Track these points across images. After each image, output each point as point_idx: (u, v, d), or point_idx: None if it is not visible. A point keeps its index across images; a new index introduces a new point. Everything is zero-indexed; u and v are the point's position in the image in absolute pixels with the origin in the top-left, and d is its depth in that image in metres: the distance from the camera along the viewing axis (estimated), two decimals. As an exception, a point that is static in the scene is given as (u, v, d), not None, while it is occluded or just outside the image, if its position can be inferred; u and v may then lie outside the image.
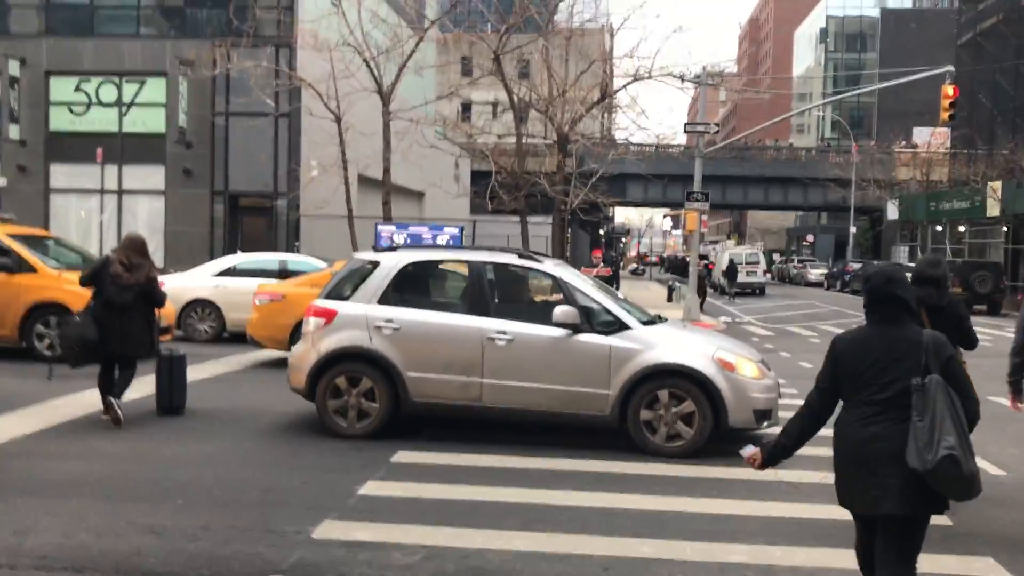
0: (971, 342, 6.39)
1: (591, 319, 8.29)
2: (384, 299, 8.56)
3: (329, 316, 8.60)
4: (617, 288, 16.89)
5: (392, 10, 28.76)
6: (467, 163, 38.64)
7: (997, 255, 38.23)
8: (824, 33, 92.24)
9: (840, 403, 4.10)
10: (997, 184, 35.22)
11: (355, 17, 22.15)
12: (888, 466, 3.77)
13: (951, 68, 22.68)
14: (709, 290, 41.08)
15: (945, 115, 21.30)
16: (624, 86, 26.00)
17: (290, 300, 12.89)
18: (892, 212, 48.95)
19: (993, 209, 35.24)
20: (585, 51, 27.44)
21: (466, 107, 47.19)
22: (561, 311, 8.15)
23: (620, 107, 27.47)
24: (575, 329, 8.16)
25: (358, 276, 8.90)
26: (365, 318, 8.45)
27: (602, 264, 22.45)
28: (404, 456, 7.82)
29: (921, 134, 62.09)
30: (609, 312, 8.36)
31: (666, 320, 9.10)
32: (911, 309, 4.00)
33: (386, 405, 8.36)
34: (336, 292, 8.91)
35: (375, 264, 8.80)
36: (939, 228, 43.31)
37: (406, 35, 24.08)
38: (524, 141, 25.98)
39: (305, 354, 8.63)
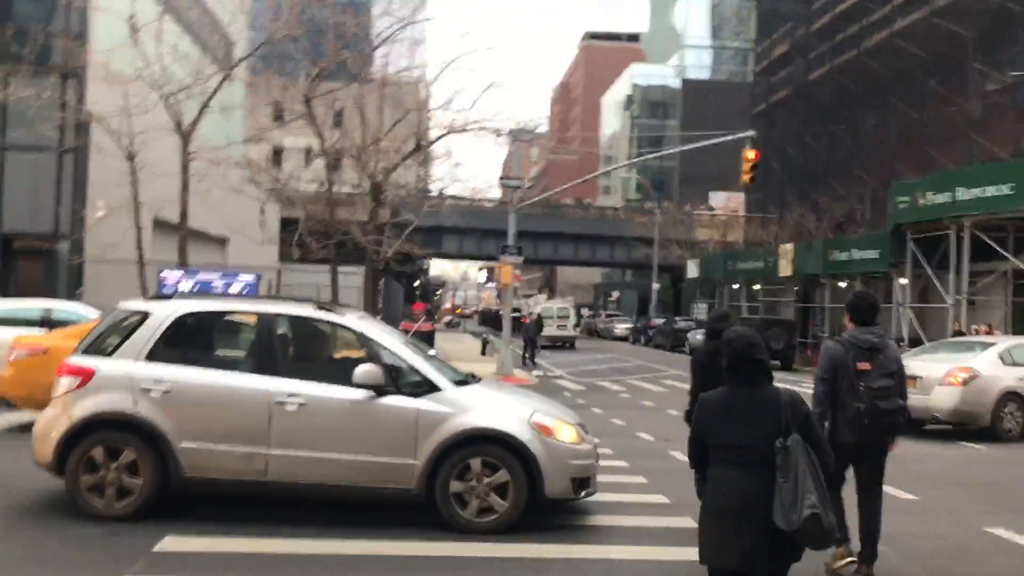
0: None
1: (397, 379, 7.42)
2: (154, 355, 7.34)
3: (85, 375, 7.29)
4: (432, 342, 16.20)
5: (196, 46, 27.17)
6: (275, 209, 37.02)
7: (789, 313, 40.38)
8: (630, 100, 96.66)
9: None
10: (788, 246, 37.25)
11: (153, 50, 20.61)
12: (759, 523, 3.96)
13: (752, 133, 23.72)
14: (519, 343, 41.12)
15: (747, 177, 22.13)
16: (439, 137, 25.62)
17: (53, 354, 11.20)
18: (692, 270, 51.06)
19: (785, 269, 37.20)
20: (400, 101, 26.89)
21: (278, 152, 45.53)
22: (363, 371, 7.25)
23: (436, 158, 27.09)
24: (379, 391, 7.26)
25: (124, 328, 7.63)
26: (129, 378, 7.21)
27: (424, 318, 21.35)
28: (172, 543, 6.60)
29: (717, 198, 65.71)
30: (418, 371, 7.52)
31: (480, 379, 8.36)
32: (769, 371, 4.21)
33: (152, 481, 7.11)
34: (96, 347, 7.59)
35: (145, 315, 7.56)
36: (736, 286, 45.44)
37: (210, 73, 22.69)
38: (337, 189, 24.99)
39: (54, 421, 7.27)
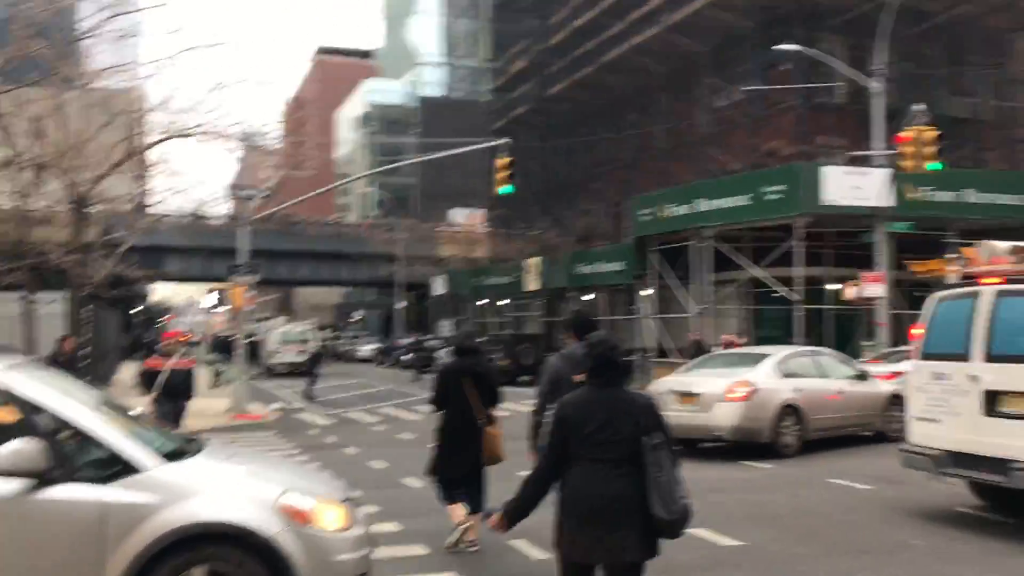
0: (497, 400, 8.13)
1: (72, 459, 4.97)
2: None
3: None
4: (189, 384, 12.87)
5: None
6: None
7: (536, 327, 40.11)
8: (367, 117, 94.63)
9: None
10: (534, 260, 36.92)
11: None
12: (627, 518, 4.17)
13: (507, 140, 22.61)
14: (255, 369, 37.78)
15: (503, 184, 20.90)
16: (157, 142, 22.34)
17: None
18: (438, 287, 49.88)
19: (532, 284, 36.85)
20: (111, 104, 23.26)
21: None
22: (10, 450, 4.74)
23: (151, 165, 23.67)
24: (40, 479, 4.79)
25: None
26: None
27: (181, 352, 15.86)
28: None
29: (458, 214, 65.18)
30: (104, 444, 5.10)
31: (206, 445, 6.00)
32: (627, 374, 4.55)
33: None
34: None
35: None
36: (484, 302, 44.73)
37: None
38: (35, 204, 21.10)
39: None
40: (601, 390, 4.36)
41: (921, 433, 9.03)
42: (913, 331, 9.37)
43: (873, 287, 22.69)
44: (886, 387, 15.52)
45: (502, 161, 20.84)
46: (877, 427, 15.06)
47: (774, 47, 25.45)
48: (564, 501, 4.32)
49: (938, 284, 24.70)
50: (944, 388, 8.65)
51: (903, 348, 21.16)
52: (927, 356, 8.99)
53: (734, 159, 28.97)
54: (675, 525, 4.22)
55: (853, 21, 27.38)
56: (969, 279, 8.78)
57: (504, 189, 21.31)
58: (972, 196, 24.35)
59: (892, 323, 23.87)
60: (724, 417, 13.24)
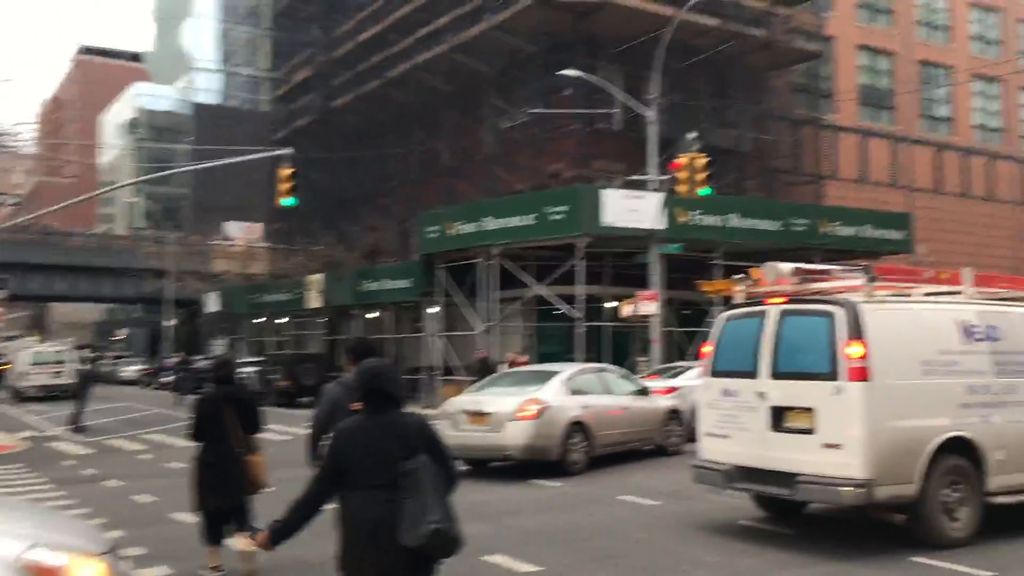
0: (258, 428, 8.00)
1: None
2: None
3: None
4: None
5: None
6: None
7: (319, 346, 38.87)
8: (135, 123, 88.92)
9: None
10: (317, 277, 35.77)
11: None
12: (391, 543, 4.18)
13: (290, 151, 21.63)
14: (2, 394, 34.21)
15: (285, 196, 19.94)
16: None
17: None
18: (212, 304, 47.34)
19: (314, 301, 35.65)
20: None
21: None
22: None
23: None
24: None
25: None
26: None
27: None
28: None
29: (234, 228, 62.36)
30: None
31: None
32: (397, 398, 4.51)
33: None
34: None
35: None
36: (261, 320, 42.85)
37: None
38: None
39: None
40: (374, 416, 4.41)
41: (712, 449, 9.23)
42: (703, 349, 9.59)
43: (648, 305, 23.62)
44: (665, 402, 16.04)
45: (285, 172, 19.90)
46: (657, 441, 15.50)
47: (557, 72, 26.10)
48: (341, 527, 4.37)
49: (706, 304, 26.48)
50: (734, 404, 8.88)
51: (678, 364, 22.21)
52: (717, 373, 9.21)
53: (519, 179, 29.40)
54: (427, 550, 4.20)
55: (629, 52, 28.59)
56: (755, 299, 9.09)
57: (287, 201, 20.37)
58: (735, 221, 25.98)
59: (664, 340, 25.00)
60: (515, 436, 13.11)
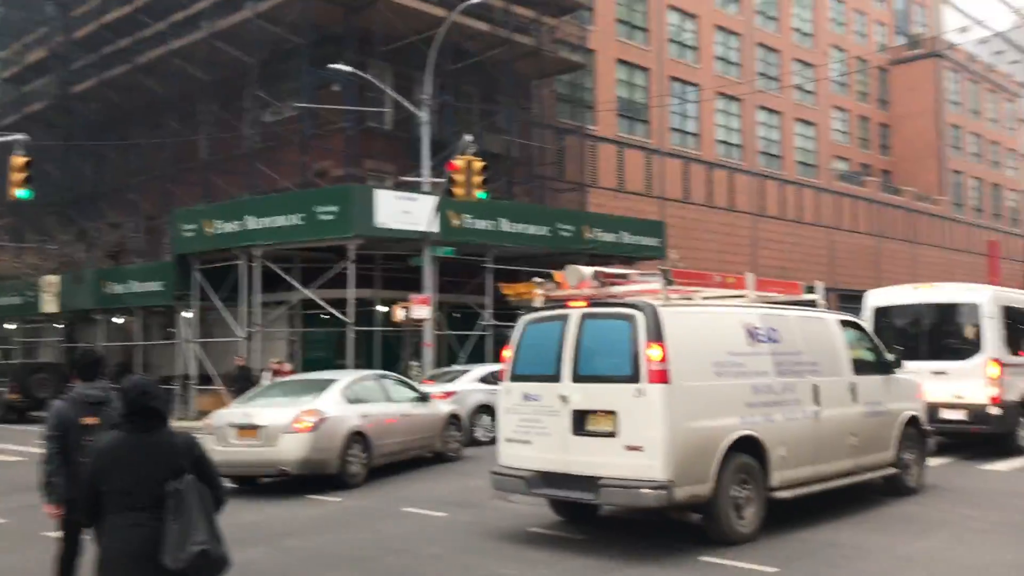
0: None
1: None
2: None
3: None
4: None
5: None
6: None
7: (54, 354, 35.28)
8: None
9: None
10: (53, 278, 32.41)
11: None
12: (158, 566, 4.08)
13: (24, 136, 19.20)
14: None
15: (18, 187, 17.66)
16: None
17: None
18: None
19: (49, 305, 32.27)
20: None
21: None
22: None
23: None
24: None
25: None
26: None
27: None
28: None
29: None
30: None
31: None
32: (163, 416, 4.38)
33: None
34: None
35: None
36: (-15, 326, 38.32)
37: None
38: None
39: None
40: (137, 435, 4.29)
41: (512, 454, 8.93)
42: (504, 353, 9.26)
43: (421, 309, 23.27)
44: (445, 408, 15.70)
45: (18, 161, 17.63)
46: (437, 448, 15.13)
47: (327, 66, 25.11)
48: (100, 551, 4.29)
49: (478, 307, 26.51)
50: (535, 409, 8.63)
51: (454, 368, 21.98)
52: (517, 377, 8.93)
53: (284, 177, 28.02)
54: (192, 573, 4.11)
55: (401, 51, 28.10)
56: (555, 302, 8.89)
57: (22, 194, 18.08)
58: (506, 225, 26.17)
59: (437, 344, 24.71)
60: (291, 450, 12.23)
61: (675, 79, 41.17)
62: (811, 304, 10.71)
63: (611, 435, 8.12)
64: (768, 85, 46.02)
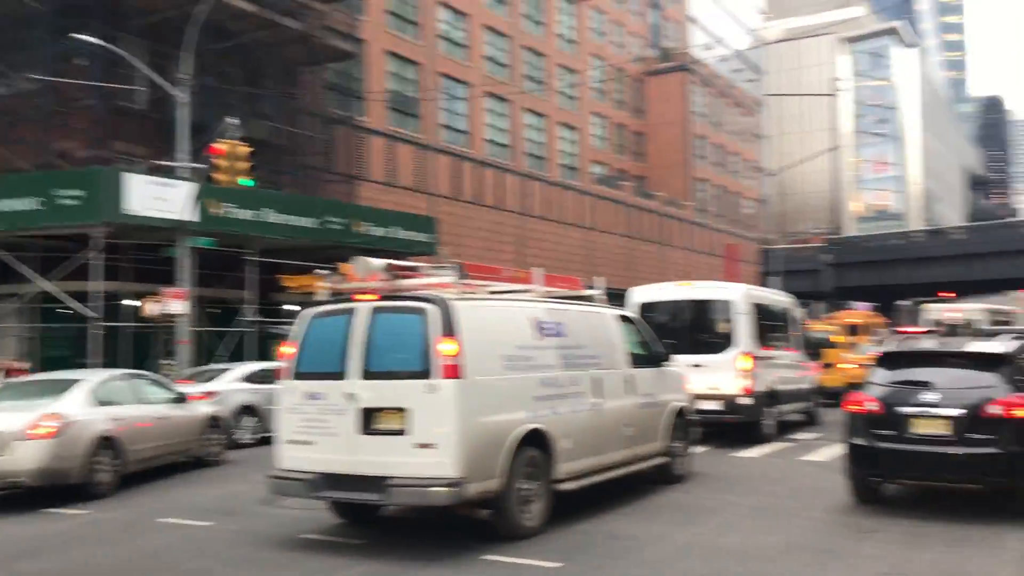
0: None
1: None
2: None
3: None
4: None
5: None
6: None
7: None
8: None
9: None
10: None
11: None
12: None
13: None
14: None
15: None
16: None
17: None
18: None
19: None
20: None
21: None
22: None
23: None
24: None
25: None
26: None
27: None
28: None
29: None
30: None
31: None
32: None
33: None
34: None
35: None
36: None
37: None
38: None
39: None
40: None
41: (294, 456, 8.34)
42: (283, 349, 8.61)
43: (175, 304, 21.74)
44: (204, 409, 14.63)
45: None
46: (196, 452, 14.09)
47: (71, 35, 22.82)
48: None
49: (237, 302, 25.11)
50: (320, 408, 8.10)
51: (213, 367, 20.64)
52: (300, 375, 8.33)
53: (20, 156, 25.19)
54: None
55: (158, 26, 26.14)
56: (341, 295, 8.38)
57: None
58: (271, 216, 25.02)
59: (193, 341, 23.16)
60: (27, 459, 10.86)
61: (446, 76, 41.25)
62: (590, 299, 10.87)
63: (401, 433, 7.77)
64: (534, 88, 47.25)
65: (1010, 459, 8.64)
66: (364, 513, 9.08)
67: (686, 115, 63.09)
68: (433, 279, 8.57)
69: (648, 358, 11.06)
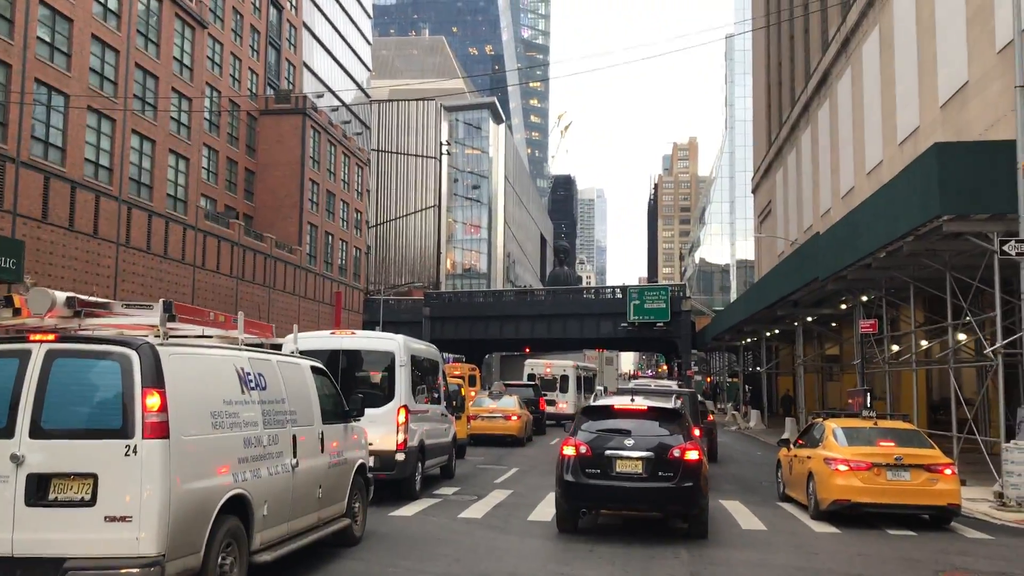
0: None
1: None
2: None
3: None
4: None
5: None
6: None
7: None
8: None
9: None
10: None
11: None
12: None
13: None
14: None
15: None
16: None
17: None
18: None
19: None
20: None
21: None
22: None
23: None
24: None
25: None
26: None
27: None
28: None
29: None
30: None
31: None
32: None
33: None
34: None
35: None
36: None
37: None
38: None
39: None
40: None
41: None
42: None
43: None
44: None
45: None
46: None
47: None
48: None
49: None
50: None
51: None
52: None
53: None
54: None
55: None
56: (18, 334, 6.70)
57: None
58: None
59: None
60: None
61: (42, 83, 36.58)
62: (279, 348, 9.99)
63: (87, 504, 6.34)
64: (144, 110, 43.71)
65: (683, 492, 11.04)
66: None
67: (301, 159, 62.47)
68: (133, 319, 7.23)
69: (338, 413, 10.42)
